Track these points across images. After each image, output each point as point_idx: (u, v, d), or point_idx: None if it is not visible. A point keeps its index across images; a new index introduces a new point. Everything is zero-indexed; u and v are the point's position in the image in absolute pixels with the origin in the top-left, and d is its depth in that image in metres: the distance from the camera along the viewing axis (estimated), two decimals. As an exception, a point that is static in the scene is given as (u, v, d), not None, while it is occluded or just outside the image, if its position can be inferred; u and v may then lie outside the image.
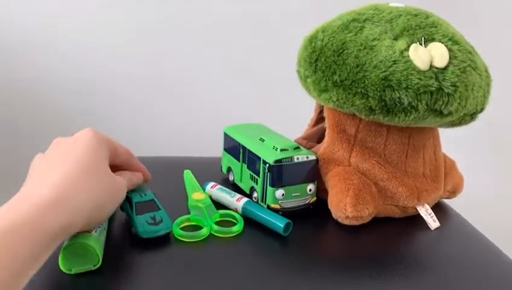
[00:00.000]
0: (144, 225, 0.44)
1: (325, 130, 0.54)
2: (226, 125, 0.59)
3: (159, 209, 0.46)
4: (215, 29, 0.95)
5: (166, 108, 0.99)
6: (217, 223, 0.48)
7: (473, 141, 0.96)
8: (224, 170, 0.59)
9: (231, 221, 0.49)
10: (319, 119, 0.60)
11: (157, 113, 1.00)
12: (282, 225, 0.45)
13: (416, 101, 0.45)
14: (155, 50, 0.96)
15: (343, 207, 0.47)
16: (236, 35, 0.96)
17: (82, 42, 0.94)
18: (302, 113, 0.64)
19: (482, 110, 0.50)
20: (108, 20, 0.93)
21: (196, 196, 0.52)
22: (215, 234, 0.46)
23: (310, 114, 0.62)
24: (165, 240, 0.45)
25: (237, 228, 0.47)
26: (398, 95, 0.45)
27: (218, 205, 0.51)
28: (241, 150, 0.54)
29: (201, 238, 0.45)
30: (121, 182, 0.43)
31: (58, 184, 0.35)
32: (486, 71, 0.50)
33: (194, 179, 0.57)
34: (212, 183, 0.54)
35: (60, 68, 0.94)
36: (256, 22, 0.96)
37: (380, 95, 0.45)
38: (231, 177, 0.58)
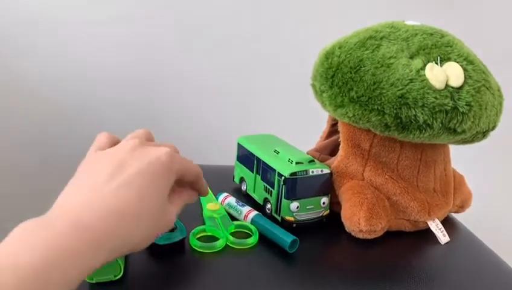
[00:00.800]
0: None
1: (337, 143, 0.55)
2: (237, 135, 0.60)
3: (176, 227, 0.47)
4: (230, 39, 0.96)
5: (179, 115, 1.00)
6: (232, 234, 0.48)
7: (482, 157, 0.96)
8: (237, 179, 0.60)
9: (246, 232, 0.49)
10: (332, 131, 0.61)
11: (169, 120, 1.00)
12: (288, 241, 0.46)
13: (431, 119, 0.46)
14: (166, 55, 0.96)
15: (357, 221, 0.48)
16: (250, 45, 0.97)
17: (83, 42, 0.94)
18: (313, 124, 0.65)
19: (494, 128, 0.51)
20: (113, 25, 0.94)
21: (210, 206, 0.53)
22: (231, 245, 0.47)
23: (321, 126, 0.63)
24: (182, 250, 0.45)
25: (252, 240, 0.47)
26: (414, 113, 0.46)
27: (232, 215, 0.52)
28: (255, 161, 0.55)
29: (218, 249, 0.46)
30: (171, 217, 0.39)
31: (112, 215, 0.33)
32: (499, 90, 0.51)
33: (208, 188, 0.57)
34: (224, 195, 0.55)
35: (60, 68, 0.94)
36: (271, 34, 0.96)
37: (396, 112, 0.46)
38: (244, 187, 0.58)
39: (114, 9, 0.92)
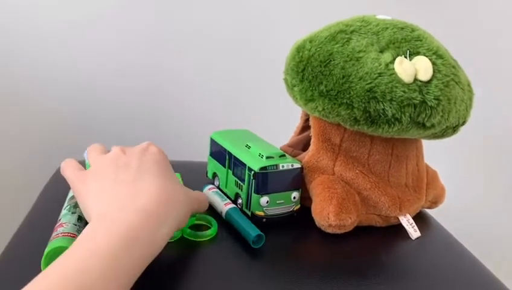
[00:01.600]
0: None
1: (310, 138, 0.55)
2: (213, 131, 0.59)
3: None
4: (203, 33, 0.95)
5: (155, 113, 0.99)
6: (191, 227, 0.48)
7: (455, 152, 0.97)
8: (210, 175, 0.60)
9: (206, 225, 0.49)
10: (305, 126, 0.60)
11: (146, 117, 0.99)
12: (252, 235, 0.45)
13: (399, 113, 0.46)
14: (144, 55, 0.95)
15: (327, 215, 0.48)
16: (224, 40, 0.96)
17: (67, 41, 0.93)
18: (288, 120, 0.65)
19: (464, 123, 0.51)
20: (97, 19, 0.93)
21: None
22: (188, 237, 0.46)
23: (296, 121, 0.63)
24: None
25: (210, 232, 0.47)
26: (383, 107, 0.45)
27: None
28: (226, 156, 0.55)
29: (173, 240, 0.45)
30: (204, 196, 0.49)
31: (156, 195, 0.38)
32: (469, 85, 0.51)
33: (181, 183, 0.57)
34: (210, 186, 0.56)
35: (48, 68, 0.93)
36: (245, 28, 0.96)
37: (365, 106, 0.46)
38: (216, 183, 0.58)
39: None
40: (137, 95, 0.98)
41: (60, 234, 0.40)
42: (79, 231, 0.41)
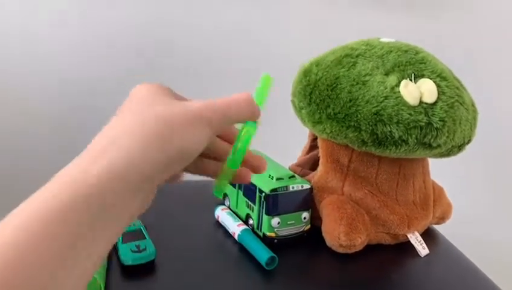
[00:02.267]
0: (127, 253, 0.45)
1: (318, 157, 0.56)
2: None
3: (145, 238, 0.48)
4: (212, 50, 0.97)
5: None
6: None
7: (461, 167, 0.98)
8: (220, 195, 0.61)
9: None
10: (313, 146, 0.62)
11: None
12: (265, 258, 0.46)
13: (406, 135, 0.47)
14: (156, 68, 0.97)
15: (337, 236, 0.49)
16: (234, 57, 0.98)
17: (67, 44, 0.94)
18: (295, 139, 0.66)
19: (469, 141, 0.52)
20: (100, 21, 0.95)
21: None
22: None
23: (302, 139, 0.64)
24: (148, 269, 0.46)
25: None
26: (389, 129, 0.47)
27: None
28: (237, 177, 0.56)
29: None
30: (195, 111, 0.28)
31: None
32: (473, 105, 0.52)
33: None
34: (222, 207, 0.57)
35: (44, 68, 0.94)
36: (255, 47, 0.97)
37: (372, 128, 0.47)
38: (227, 203, 0.59)
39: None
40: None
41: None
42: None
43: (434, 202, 0.58)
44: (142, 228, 0.49)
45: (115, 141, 0.26)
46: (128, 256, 0.45)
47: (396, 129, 0.47)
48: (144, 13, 0.94)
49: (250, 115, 0.32)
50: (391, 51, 0.51)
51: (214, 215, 0.56)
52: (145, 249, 0.46)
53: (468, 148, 0.53)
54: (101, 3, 0.92)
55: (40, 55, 0.93)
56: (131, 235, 0.48)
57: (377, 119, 0.47)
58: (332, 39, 0.59)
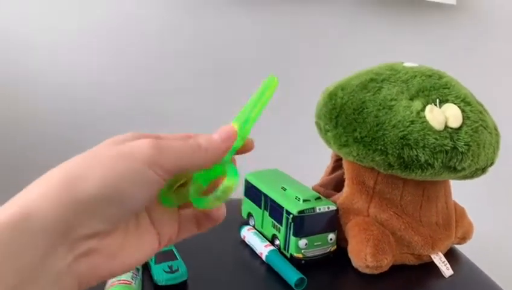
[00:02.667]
0: (161, 273, 0.47)
1: (341, 178, 0.57)
2: (242, 168, 0.62)
3: (177, 258, 0.49)
4: (234, 72, 0.98)
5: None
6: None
7: (482, 188, 0.98)
8: (245, 214, 0.62)
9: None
10: (335, 166, 0.63)
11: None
12: (294, 279, 0.47)
13: (432, 159, 0.48)
14: (172, 87, 0.99)
15: (364, 257, 0.50)
16: (252, 80, 0.99)
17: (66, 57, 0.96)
18: (317, 159, 0.67)
19: (492, 164, 0.53)
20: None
21: None
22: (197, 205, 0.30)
23: (325, 161, 0.65)
24: (181, 288, 0.47)
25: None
26: (416, 153, 0.48)
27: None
28: (263, 198, 0.57)
29: None
30: (139, 145, 0.24)
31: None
32: (496, 129, 0.53)
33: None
34: (248, 227, 0.58)
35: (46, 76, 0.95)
36: (275, 69, 0.99)
37: (399, 152, 0.48)
38: (252, 223, 0.60)
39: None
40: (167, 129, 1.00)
41: (116, 282, 0.43)
42: (134, 278, 0.43)
43: (456, 223, 0.58)
44: (173, 248, 0.51)
45: (28, 191, 0.23)
46: (161, 277, 0.46)
47: (423, 153, 0.48)
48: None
49: (213, 161, 0.27)
50: (415, 76, 0.52)
51: (238, 234, 0.58)
52: (177, 270, 0.47)
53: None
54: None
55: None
56: (164, 256, 0.49)
57: (404, 143, 0.48)
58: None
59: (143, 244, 0.27)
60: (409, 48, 0.97)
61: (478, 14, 0.98)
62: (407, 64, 0.55)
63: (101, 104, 0.97)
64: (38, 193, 0.22)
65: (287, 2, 0.94)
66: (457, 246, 0.62)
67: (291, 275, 0.48)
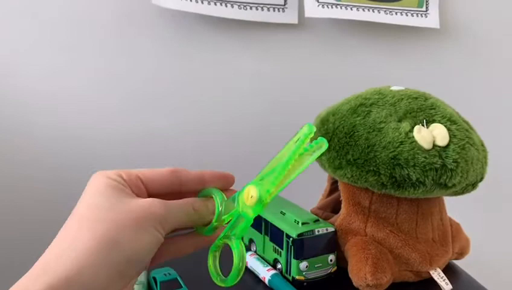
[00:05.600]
0: None
1: (338, 200, 0.59)
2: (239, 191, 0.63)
3: (181, 286, 0.50)
4: (230, 98, 1.01)
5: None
6: None
7: (475, 202, 1.00)
8: (246, 241, 0.63)
9: None
10: (332, 189, 0.65)
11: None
12: None
13: (423, 177, 0.50)
14: (175, 102, 1.00)
15: (364, 276, 0.51)
16: (248, 103, 1.01)
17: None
18: (315, 182, 0.69)
19: (481, 179, 0.55)
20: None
21: None
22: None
23: (322, 184, 0.67)
24: None
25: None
26: (407, 172, 0.50)
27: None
28: (263, 223, 0.59)
29: None
30: (145, 206, 0.28)
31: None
32: (483, 145, 0.56)
33: None
34: (250, 252, 0.59)
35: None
36: (270, 92, 1.01)
37: (391, 172, 0.50)
38: (253, 248, 0.61)
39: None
40: (163, 161, 1.02)
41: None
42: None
43: (452, 238, 0.60)
44: (178, 277, 0.52)
45: (59, 257, 0.25)
46: None
47: (413, 172, 0.50)
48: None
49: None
50: (402, 99, 0.55)
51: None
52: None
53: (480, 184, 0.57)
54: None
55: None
56: (168, 284, 0.50)
57: (395, 163, 0.50)
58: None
59: None
60: (396, 72, 1.00)
61: (462, 37, 1.02)
62: (394, 87, 0.58)
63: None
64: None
65: (278, 33, 0.97)
66: (456, 261, 0.63)
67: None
